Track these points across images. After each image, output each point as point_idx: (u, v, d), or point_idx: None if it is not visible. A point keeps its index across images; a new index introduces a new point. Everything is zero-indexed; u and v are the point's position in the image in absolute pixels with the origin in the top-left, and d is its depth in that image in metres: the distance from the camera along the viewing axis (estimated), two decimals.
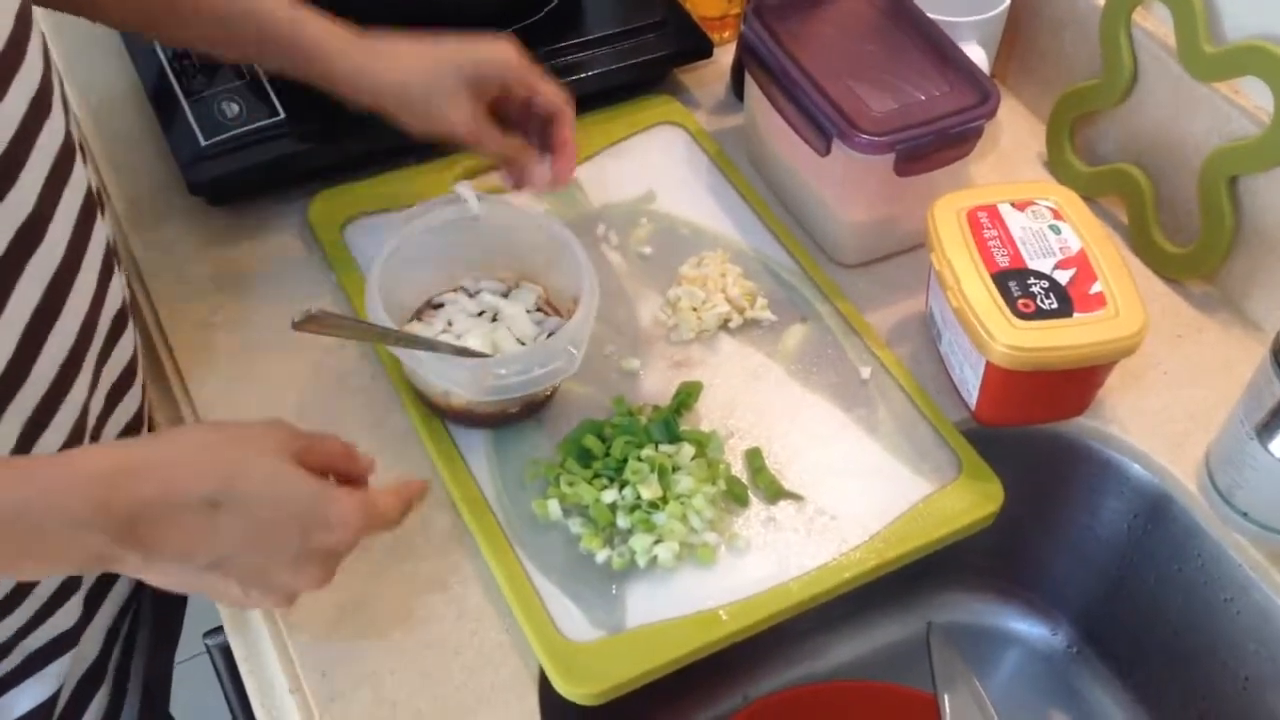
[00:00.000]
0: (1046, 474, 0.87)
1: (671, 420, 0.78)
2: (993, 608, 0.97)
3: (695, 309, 0.86)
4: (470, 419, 0.79)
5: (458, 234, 0.81)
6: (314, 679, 0.69)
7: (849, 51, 0.89)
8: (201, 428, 0.60)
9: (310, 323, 0.63)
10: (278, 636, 0.71)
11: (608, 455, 0.76)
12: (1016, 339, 0.75)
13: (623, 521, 0.74)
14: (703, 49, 1.03)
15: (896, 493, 0.78)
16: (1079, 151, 0.99)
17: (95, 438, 0.70)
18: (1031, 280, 0.78)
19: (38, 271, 0.63)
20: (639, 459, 0.76)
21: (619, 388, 0.82)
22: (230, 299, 0.87)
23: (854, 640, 0.95)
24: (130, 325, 0.75)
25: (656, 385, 0.83)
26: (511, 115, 0.81)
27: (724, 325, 0.87)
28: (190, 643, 0.91)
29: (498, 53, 0.79)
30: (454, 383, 0.74)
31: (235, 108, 0.91)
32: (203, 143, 0.89)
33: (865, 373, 0.84)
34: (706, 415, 0.81)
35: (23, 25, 0.61)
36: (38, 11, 0.65)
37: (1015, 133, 1.03)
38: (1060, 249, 0.80)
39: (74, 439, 0.67)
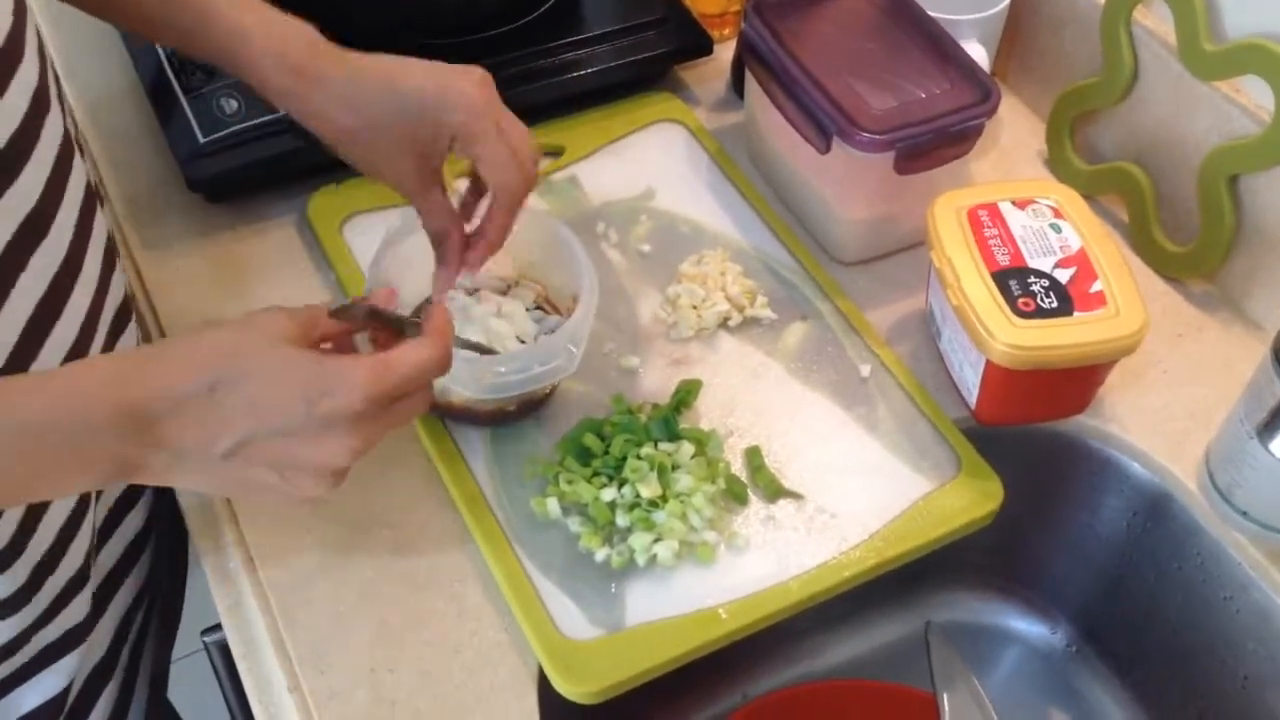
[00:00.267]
0: (1046, 472, 0.87)
1: (671, 418, 0.78)
2: (992, 606, 0.97)
3: (695, 307, 0.86)
4: (469, 417, 0.79)
5: None
6: (312, 677, 0.69)
7: (849, 49, 0.89)
8: (199, 326, 0.60)
9: (343, 313, 0.62)
10: (275, 633, 0.71)
11: (607, 453, 0.76)
12: (1016, 337, 0.75)
13: (622, 520, 0.74)
14: (703, 46, 1.03)
15: (896, 491, 0.78)
16: (1079, 150, 0.99)
17: None
18: (1032, 279, 0.78)
19: (41, 265, 0.63)
20: (638, 457, 0.75)
21: (618, 386, 0.82)
22: (229, 296, 0.87)
23: (853, 639, 0.95)
24: (134, 320, 0.75)
25: (656, 383, 0.83)
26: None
27: (723, 323, 0.86)
28: (188, 640, 0.91)
29: (454, 106, 0.70)
30: (453, 380, 0.74)
31: (234, 104, 0.91)
32: (201, 140, 0.89)
33: (865, 371, 0.84)
34: (706, 413, 0.81)
35: (19, 21, 0.61)
36: (33, 7, 0.65)
37: (1015, 131, 1.03)
38: (1060, 247, 0.80)
39: None
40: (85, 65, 1.01)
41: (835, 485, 0.78)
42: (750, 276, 0.89)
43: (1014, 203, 0.82)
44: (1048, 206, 0.82)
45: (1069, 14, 0.97)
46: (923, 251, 0.84)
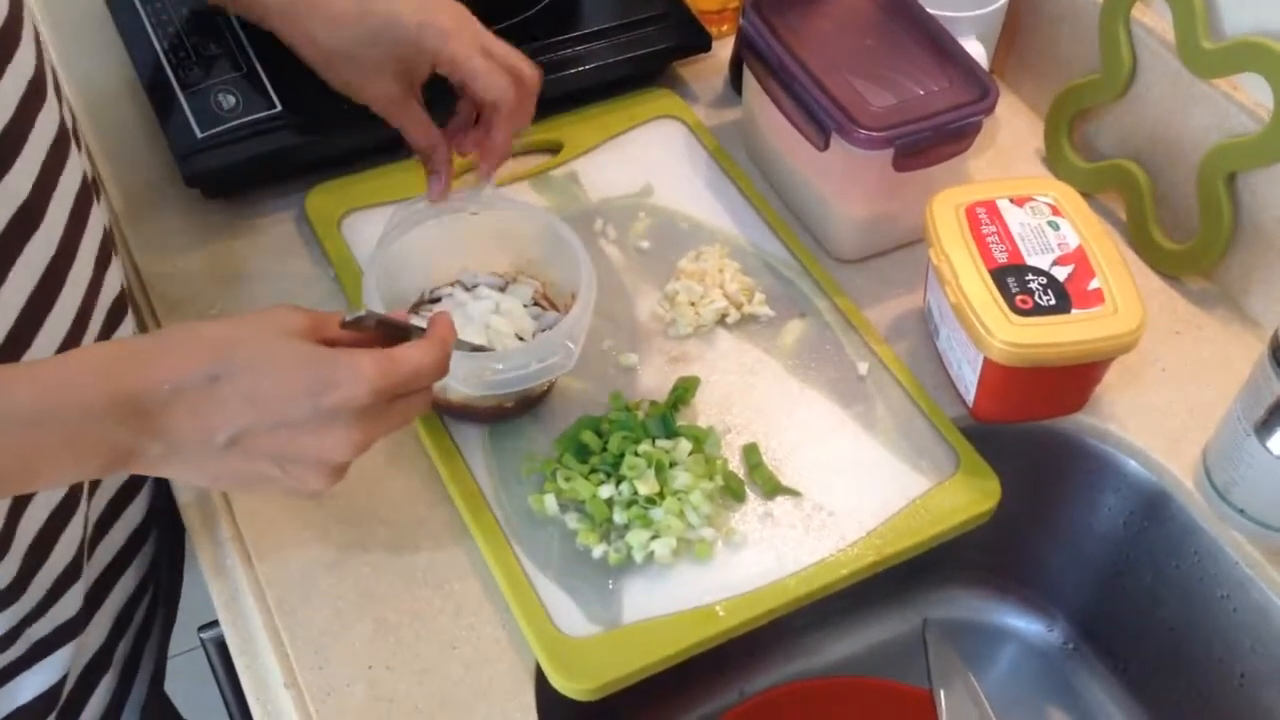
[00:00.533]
0: (1044, 470, 0.87)
1: (669, 415, 0.78)
2: (989, 604, 0.97)
3: (693, 304, 0.86)
4: (468, 414, 0.79)
5: (455, 228, 0.81)
6: (310, 673, 0.69)
7: (848, 46, 0.89)
8: (203, 319, 0.59)
9: (355, 324, 0.62)
10: (273, 630, 0.71)
11: (605, 450, 0.76)
12: (1014, 335, 0.75)
13: (619, 517, 0.74)
14: (701, 43, 1.02)
15: (894, 489, 0.78)
16: (1078, 147, 0.99)
17: None
18: (1030, 276, 0.78)
19: (33, 258, 0.63)
20: (636, 454, 0.75)
21: (616, 383, 0.82)
22: (226, 292, 0.87)
23: (850, 637, 0.95)
24: (129, 314, 0.75)
25: (654, 380, 0.83)
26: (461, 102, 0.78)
27: (721, 320, 0.86)
28: (186, 636, 0.91)
29: (433, 31, 0.74)
30: (452, 378, 0.74)
31: (232, 100, 0.91)
32: (199, 135, 0.89)
33: (863, 368, 0.84)
34: (704, 411, 0.81)
35: (15, 12, 0.61)
36: (32, 3, 0.65)
37: (1014, 129, 1.03)
38: (1058, 245, 0.80)
39: None
40: (83, 60, 1.01)
41: (833, 483, 0.78)
42: (748, 274, 0.89)
43: (1012, 200, 0.82)
44: (1046, 204, 0.82)
45: (1067, 11, 0.97)
46: (921, 249, 0.84)
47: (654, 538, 0.73)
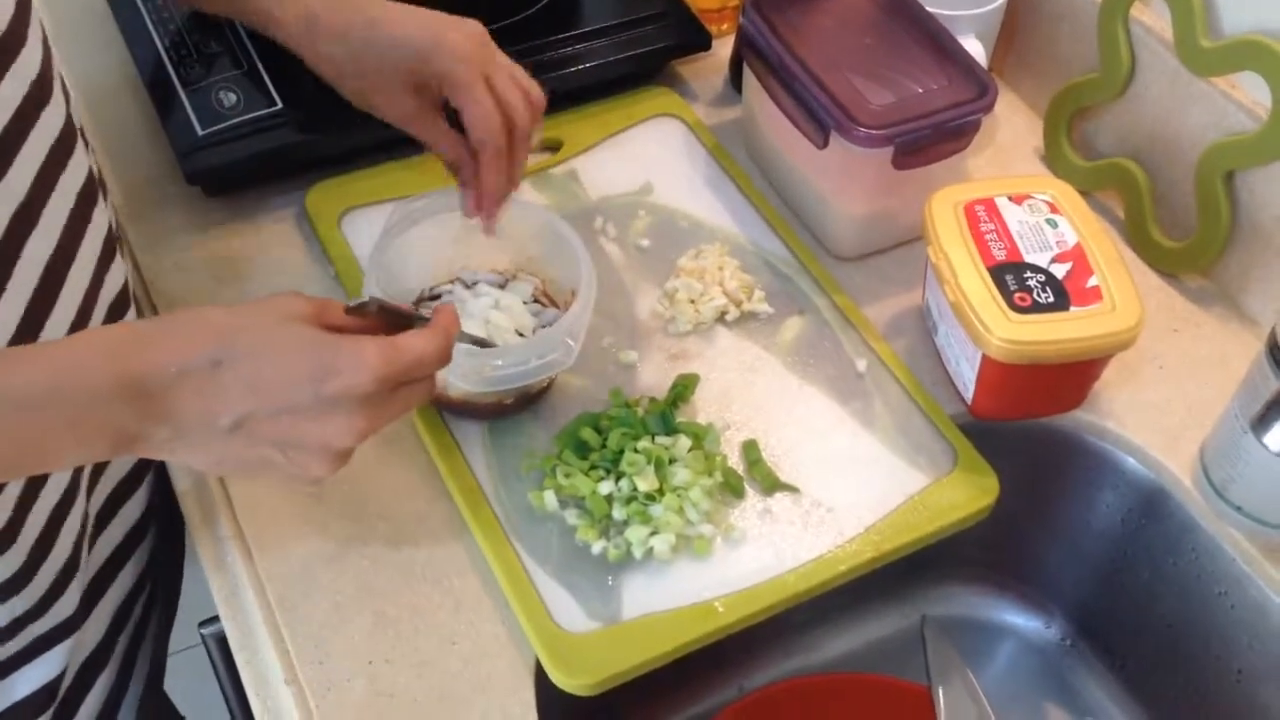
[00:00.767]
0: (1042, 467, 0.87)
1: (668, 412, 0.78)
2: (987, 601, 0.97)
3: (693, 301, 0.86)
4: (467, 411, 0.79)
5: (455, 225, 0.81)
6: (310, 669, 0.69)
7: (847, 45, 0.89)
8: (210, 305, 0.59)
9: (358, 310, 0.62)
10: (273, 625, 0.71)
11: (604, 447, 0.76)
12: (1013, 332, 0.75)
13: (619, 513, 0.74)
14: (701, 41, 1.03)
15: (893, 485, 0.78)
16: (1076, 146, 0.99)
17: None
18: (1028, 274, 0.78)
19: (34, 255, 0.63)
20: (635, 451, 0.76)
21: (616, 380, 0.82)
22: (227, 289, 0.87)
23: (849, 633, 0.95)
24: (131, 311, 0.75)
25: (653, 377, 0.83)
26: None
27: (721, 318, 0.87)
28: (186, 634, 0.91)
29: (441, 51, 0.74)
30: (452, 374, 0.74)
31: (233, 97, 0.91)
32: (200, 132, 0.89)
33: (862, 366, 0.84)
34: (703, 407, 0.82)
35: (22, 11, 0.61)
36: (36, 1, 0.65)
37: (1013, 127, 1.03)
38: (1057, 243, 0.80)
39: None
40: (83, 58, 1.01)
41: (832, 479, 0.78)
42: (748, 271, 0.89)
43: (1011, 198, 0.83)
44: (1044, 202, 0.83)
45: (1066, 10, 0.97)
46: (920, 247, 0.84)
47: (653, 534, 0.73)
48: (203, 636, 0.78)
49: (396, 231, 0.78)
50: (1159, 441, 0.83)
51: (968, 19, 0.96)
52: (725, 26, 1.08)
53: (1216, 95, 0.86)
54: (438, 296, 0.83)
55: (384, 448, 0.78)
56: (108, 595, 0.79)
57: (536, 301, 0.83)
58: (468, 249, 0.83)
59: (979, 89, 0.86)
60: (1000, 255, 0.79)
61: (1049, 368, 0.77)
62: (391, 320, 0.63)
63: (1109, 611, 0.92)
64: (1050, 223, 0.81)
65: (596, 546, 0.73)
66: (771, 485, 0.77)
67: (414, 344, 0.60)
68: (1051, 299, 0.77)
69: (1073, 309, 0.76)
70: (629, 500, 0.74)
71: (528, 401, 0.80)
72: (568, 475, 0.75)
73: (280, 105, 0.91)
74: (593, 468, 0.76)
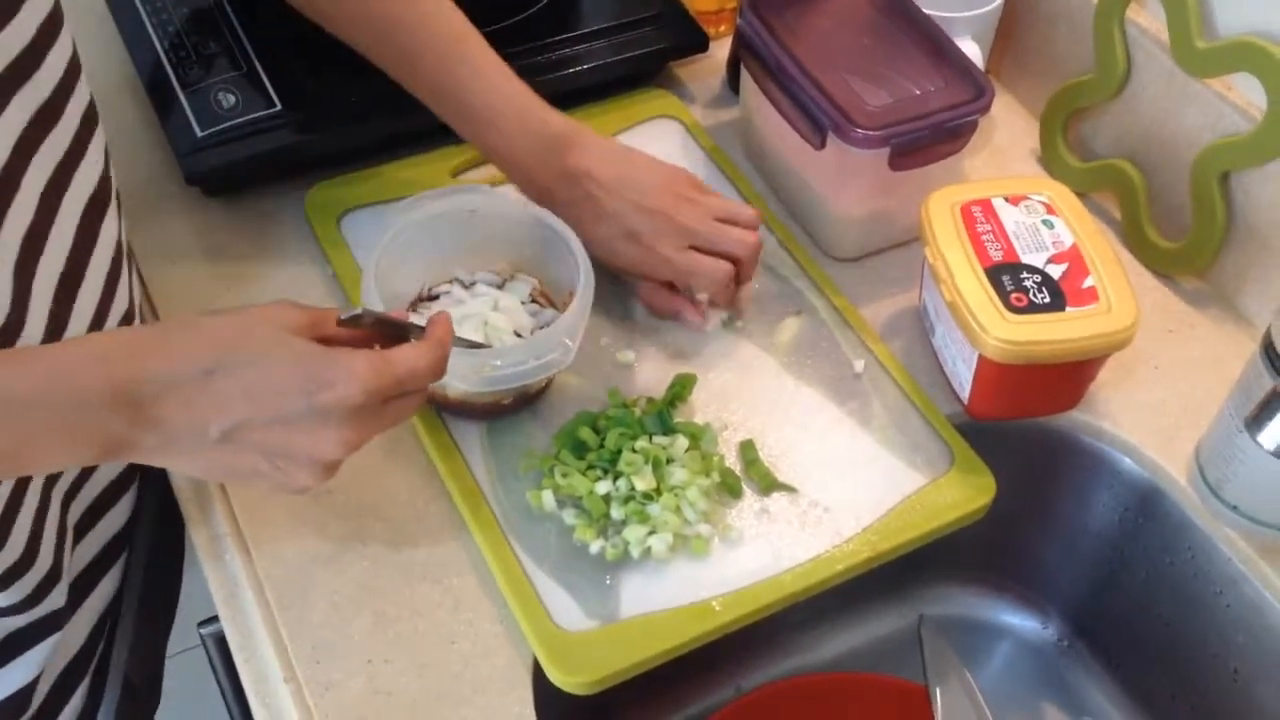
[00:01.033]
0: (1038, 467, 0.87)
1: (665, 412, 0.78)
2: (984, 601, 0.97)
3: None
4: (466, 411, 0.79)
5: (453, 226, 0.81)
6: (308, 668, 0.70)
7: (844, 46, 0.90)
8: (203, 311, 0.60)
9: (352, 321, 0.63)
10: (272, 624, 0.71)
11: (602, 447, 0.77)
12: (1009, 333, 0.75)
13: (617, 513, 0.74)
14: (698, 43, 1.03)
15: (889, 485, 0.78)
16: (1072, 147, 0.99)
17: None
18: (1024, 274, 0.78)
19: (51, 259, 0.63)
20: (633, 450, 0.76)
21: (613, 380, 0.83)
22: (226, 289, 0.87)
23: (846, 633, 0.96)
24: (137, 319, 0.76)
25: (651, 378, 0.83)
26: None
27: (726, 323, 0.87)
28: (185, 636, 0.91)
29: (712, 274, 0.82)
30: (450, 374, 0.74)
31: (232, 99, 0.91)
32: (199, 134, 0.89)
33: (859, 366, 0.85)
34: (701, 408, 0.82)
35: (57, 11, 0.62)
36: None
37: (1009, 128, 1.04)
38: (1053, 243, 0.80)
39: None
40: (83, 58, 1.00)
41: (829, 479, 0.78)
42: None
43: (1007, 199, 0.83)
44: (1040, 203, 0.83)
45: (1062, 12, 0.98)
46: (917, 247, 0.85)
47: (651, 533, 0.74)
48: (201, 637, 0.78)
49: (395, 232, 0.79)
50: (1155, 441, 0.83)
51: (964, 20, 0.96)
52: (723, 28, 1.08)
53: (1212, 96, 0.86)
54: (436, 297, 0.83)
55: (383, 448, 0.79)
56: (92, 597, 0.79)
57: (534, 302, 0.83)
58: (466, 249, 0.83)
59: (975, 90, 0.86)
60: (997, 256, 0.79)
61: (1045, 368, 0.78)
62: (386, 331, 0.63)
63: (1105, 611, 0.92)
64: (1046, 223, 0.81)
65: (594, 546, 0.74)
66: (769, 485, 0.78)
67: (406, 357, 0.60)
68: (1048, 299, 0.77)
69: (1069, 309, 0.77)
70: (627, 500, 0.74)
71: (526, 401, 0.80)
72: (565, 475, 0.76)
73: (279, 106, 0.91)
74: (590, 467, 0.76)
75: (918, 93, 0.86)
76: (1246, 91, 0.85)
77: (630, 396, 0.81)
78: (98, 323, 0.68)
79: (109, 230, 0.70)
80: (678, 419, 0.80)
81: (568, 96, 0.99)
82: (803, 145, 0.88)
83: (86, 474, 0.76)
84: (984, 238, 0.80)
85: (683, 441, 0.77)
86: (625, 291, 0.88)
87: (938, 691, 0.82)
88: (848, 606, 0.95)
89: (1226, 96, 0.86)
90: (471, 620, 0.72)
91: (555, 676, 0.69)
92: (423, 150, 0.95)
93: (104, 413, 0.55)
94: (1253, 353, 0.72)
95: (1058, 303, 0.77)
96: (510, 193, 0.85)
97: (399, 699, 0.69)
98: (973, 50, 0.96)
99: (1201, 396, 0.84)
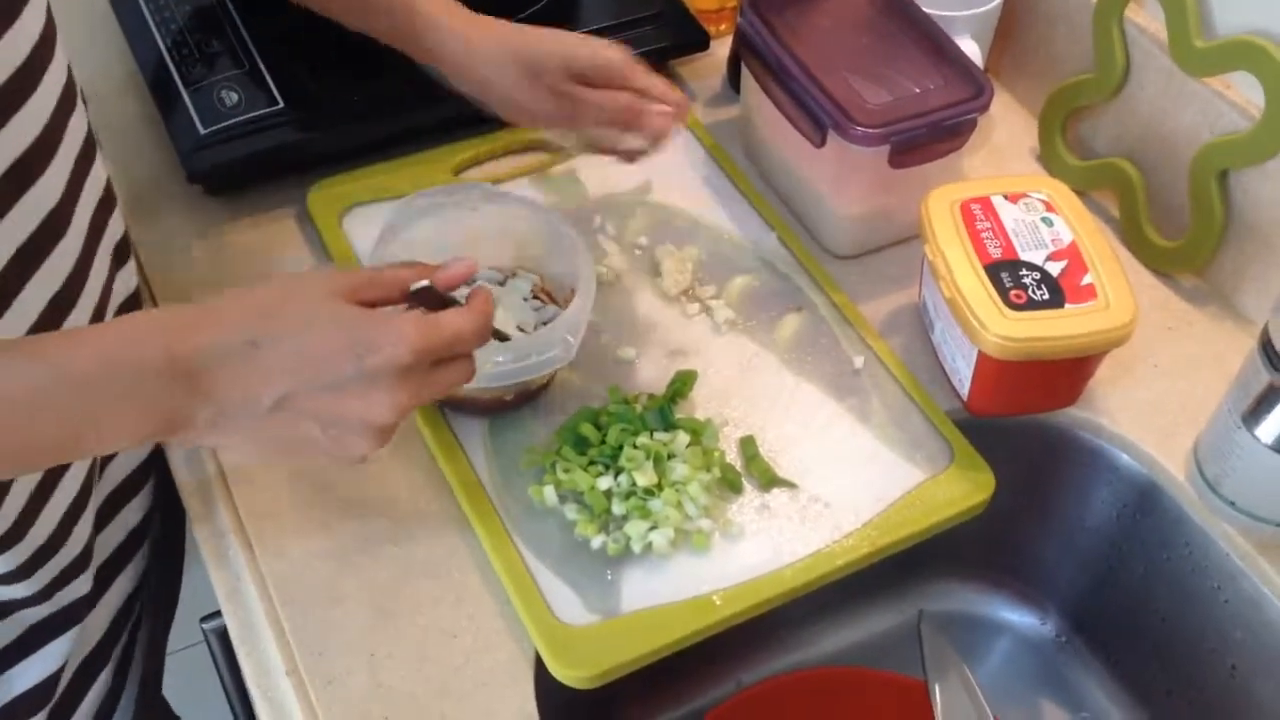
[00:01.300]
0: (1037, 464, 0.88)
1: (667, 408, 0.79)
2: (983, 597, 0.98)
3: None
4: (468, 407, 0.80)
5: (455, 223, 0.82)
6: (310, 660, 0.70)
7: (844, 44, 0.90)
8: (250, 286, 0.60)
9: (416, 296, 0.63)
10: (274, 618, 0.72)
11: (603, 442, 0.77)
12: (1008, 329, 0.76)
13: (618, 508, 0.75)
14: (699, 41, 1.03)
15: (889, 481, 0.79)
16: (1071, 145, 1.00)
17: None
18: (1023, 271, 0.79)
19: (57, 264, 0.64)
20: (634, 446, 0.76)
21: (615, 376, 0.83)
22: (228, 287, 0.87)
23: (846, 628, 0.96)
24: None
25: (652, 374, 0.84)
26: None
27: (724, 321, 0.87)
28: (186, 633, 0.92)
29: (595, 46, 0.81)
30: None
31: (234, 97, 0.92)
32: (202, 131, 0.90)
33: (859, 362, 0.85)
34: (701, 404, 0.82)
35: (50, 21, 0.62)
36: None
37: (1008, 127, 1.04)
38: (1052, 241, 0.80)
39: None
40: (86, 57, 1.01)
41: (829, 475, 0.79)
42: (745, 270, 0.90)
43: (1006, 197, 0.83)
44: (1040, 200, 0.83)
45: (1061, 11, 0.98)
46: (916, 245, 0.85)
47: (652, 528, 0.74)
48: (204, 631, 0.79)
49: (397, 229, 0.79)
50: (1153, 438, 0.83)
51: (964, 19, 0.96)
52: (723, 27, 1.09)
53: (1210, 95, 0.87)
54: None
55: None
56: (110, 593, 0.79)
57: (536, 298, 0.84)
58: (468, 246, 0.83)
59: (975, 89, 0.86)
60: (996, 253, 0.80)
61: (1044, 364, 0.78)
62: (429, 304, 0.63)
63: (1104, 607, 0.92)
64: (1046, 221, 0.82)
65: (596, 541, 0.74)
66: (769, 481, 0.78)
67: (453, 320, 0.61)
68: (1046, 296, 0.77)
69: (1067, 306, 0.77)
70: (628, 495, 0.75)
71: (528, 397, 0.81)
72: (567, 470, 0.76)
73: (282, 104, 0.92)
74: (592, 463, 0.76)
75: (917, 91, 0.87)
76: (1245, 90, 0.86)
77: (631, 393, 0.82)
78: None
79: (114, 227, 0.70)
80: (679, 415, 0.80)
81: None
82: (803, 143, 0.88)
83: (107, 461, 0.76)
84: (983, 235, 0.80)
85: (684, 437, 0.78)
86: (627, 289, 0.89)
87: (937, 687, 0.82)
88: (848, 602, 0.95)
89: (1225, 95, 0.86)
90: (473, 615, 0.72)
91: (557, 670, 0.69)
92: (425, 148, 0.95)
93: (164, 382, 0.55)
94: (1251, 349, 0.73)
95: (1056, 300, 0.77)
96: (513, 190, 0.86)
97: (401, 693, 0.69)
98: (972, 49, 0.96)
99: (1200, 393, 0.85)
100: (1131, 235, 0.95)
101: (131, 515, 0.81)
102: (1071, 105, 0.98)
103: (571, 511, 0.75)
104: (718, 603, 0.72)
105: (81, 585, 0.73)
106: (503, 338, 0.75)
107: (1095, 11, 0.93)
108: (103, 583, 0.78)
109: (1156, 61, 0.90)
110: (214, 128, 0.90)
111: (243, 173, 0.92)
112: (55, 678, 0.74)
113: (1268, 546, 0.78)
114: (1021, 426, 0.85)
